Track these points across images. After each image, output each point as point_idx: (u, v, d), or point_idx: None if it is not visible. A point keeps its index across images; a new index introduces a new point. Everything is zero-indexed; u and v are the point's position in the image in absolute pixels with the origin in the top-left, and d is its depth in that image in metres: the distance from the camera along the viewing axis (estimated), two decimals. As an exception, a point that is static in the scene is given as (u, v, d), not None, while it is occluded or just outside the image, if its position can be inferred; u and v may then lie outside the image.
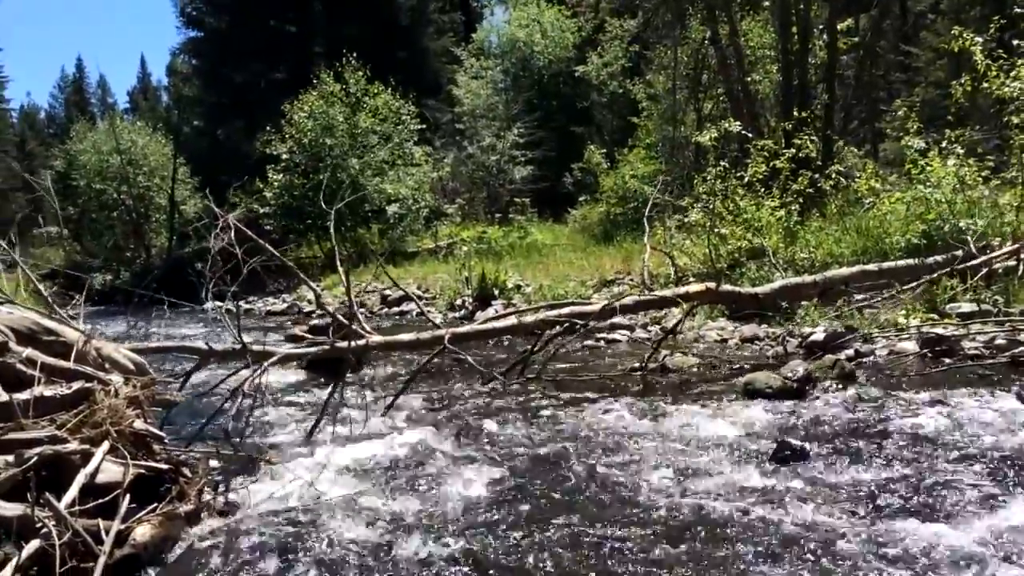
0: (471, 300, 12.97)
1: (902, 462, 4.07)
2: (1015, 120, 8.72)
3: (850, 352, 6.76)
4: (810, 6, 15.43)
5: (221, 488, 4.10)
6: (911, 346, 6.74)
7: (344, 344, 5.63)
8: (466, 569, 3.15)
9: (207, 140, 35.69)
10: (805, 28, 15.07)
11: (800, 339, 7.47)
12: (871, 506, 3.55)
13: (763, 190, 10.67)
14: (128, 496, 3.41)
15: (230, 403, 4.93)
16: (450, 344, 6.06)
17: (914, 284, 7.58)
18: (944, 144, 9.31)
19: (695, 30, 20.67)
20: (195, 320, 12.49)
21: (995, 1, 16.25)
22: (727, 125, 11.02)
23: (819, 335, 7.23)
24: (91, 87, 74.98)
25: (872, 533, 3.24)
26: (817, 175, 10.89)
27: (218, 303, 5.77)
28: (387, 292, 15.30)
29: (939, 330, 6.70)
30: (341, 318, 6.24)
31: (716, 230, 10.26)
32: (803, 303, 8.39)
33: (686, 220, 11.51)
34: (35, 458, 3.27)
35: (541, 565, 3.16)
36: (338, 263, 6.34)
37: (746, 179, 10.65)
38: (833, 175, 10.90)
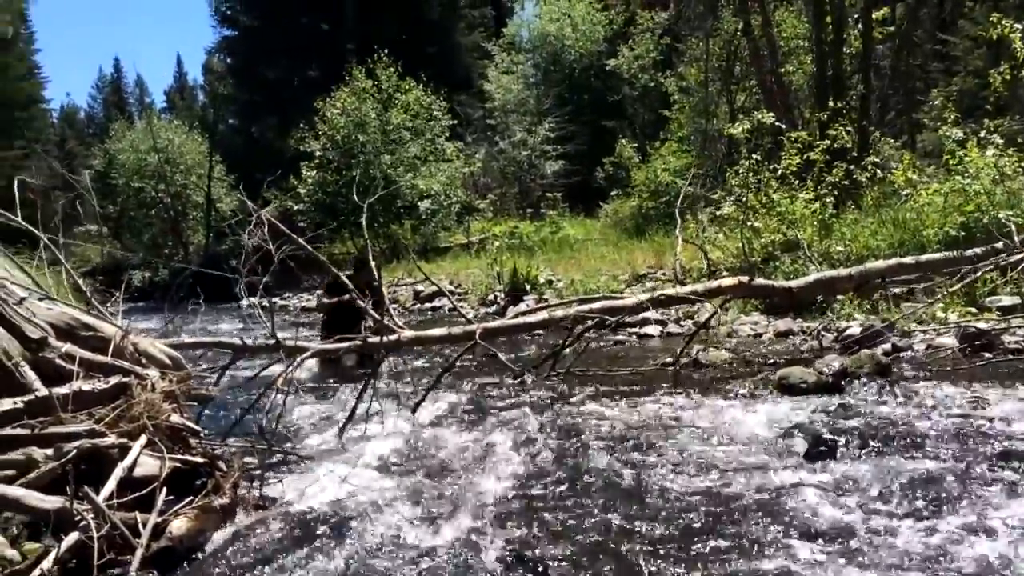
0: (503, 295, 13.00)
1: (939, 459, 4.00)
2: (1059, 109, 8.53)
3: (887, 347, 6.67)
4: (845, -5, 15.18)
5: (256, 482, 4.14)
6: (949, 341, 6.63)
7: (376, 339, 5.67)
8: (499, 565, 3.15)
9: (242, 138, 36.11)
10: (840, 18, 14.80)
11: (836, 334, 7.39)
12: (907, 503, 3.49)
13: (797, 182, 10.53)
14: (165, 489, 3.46)
15: (264, 398, 4.98)
16: (481, 339, 6.07)
17: (953, 277, 7.45)
18: (983, 134, 9.12)
19: (727, 21, 20.47)
20: (232, 316, 12.65)
21: (1037, -12, 15.89)
22: (760, 117, 10.88)
23: (855, 329, 7.15)
24: (129, 87, 76.03)
25: (907, 530, 3.20)
26: (852, 167, 10.73)
27: (253, 299, 5.84)
28: (419, 288, 15.38)
29: (979, 324, 6.58)
30: (373, 313, 6.28)
31: (749, 223, 10.15)
32: (839, 297, 8.28)
33: (719, 213, 11.40)
34: (74, 452, 3.34)
35: (574, 560, 3.15)
36: (369, 258, 6.35)
37: (779, 171, 10.52)
38: (869, 167, 10.72)
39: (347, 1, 34.05)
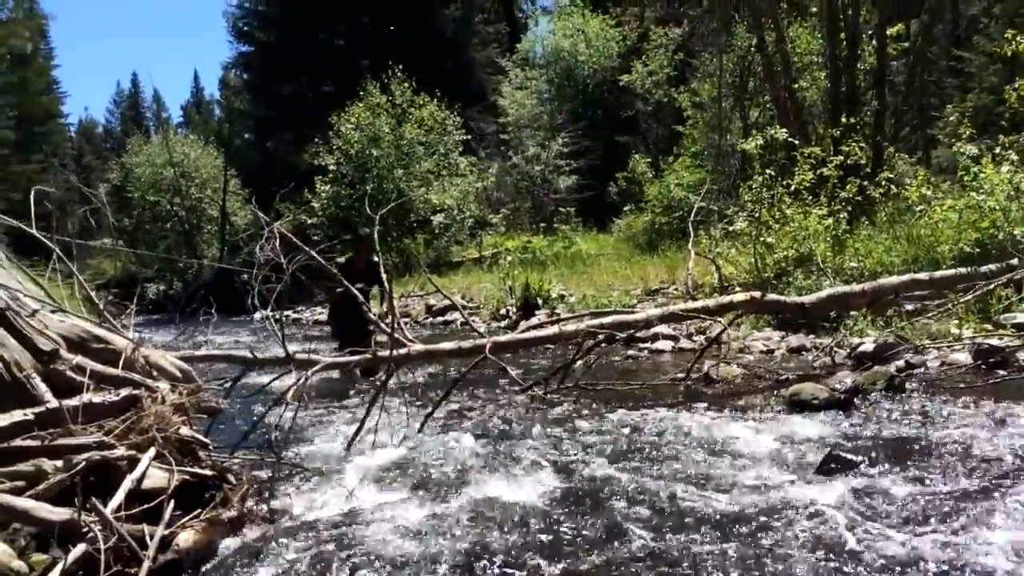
0: (515, 309, 13.00)
1: (952, 477, 3.96)
2: (1072, 125, 8.48)
3: (900, 363, 6.60)
4: (859, 11, 15.17)
5: (265, 495, 4.14)
6: (964, 357, 6.57)
7: (386, 353, 5.67)
8: (504, 580, 3.14)
9: (257, 152, 36.34)
10: (854, 33, 14.80)
11: (849, 350, 7.33)
12: (920, 521, 3.45)
13: (810, 198, 10.50)
14: (173, 502, 3.46)
15: (274, 411, 4.99)
16: (491, 353, 6.06)
17: (967, 294, 7.39)
18: (998, 150, 9.07)
19: (741, 37, 20.49)
20: (245, 328, 12.69)
21: (1052, 3, 15.83)
22: (773, 132, 10.86)
23: (868, 346, 7.09)
24: (146, 101, 76.88)
25: (920, 548, 3.16)
26: (866, 183, 10.69)
27: (266, 312, 5.87)
28: (431, 302, 15.40)
29: (993, 341, 6.51)
30: (384, 327, 6.29)
31: (762, 239, 10.12)
32: (852, 313, 8.23)
33: (731, 229, 11.38)
34: (83, 463, 3.35)
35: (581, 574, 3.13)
36: (381, 272, 6.37)
37: (793, 187, 10.49)
38: (883, 182, 10.68)
39: (362, 18, 34.36)
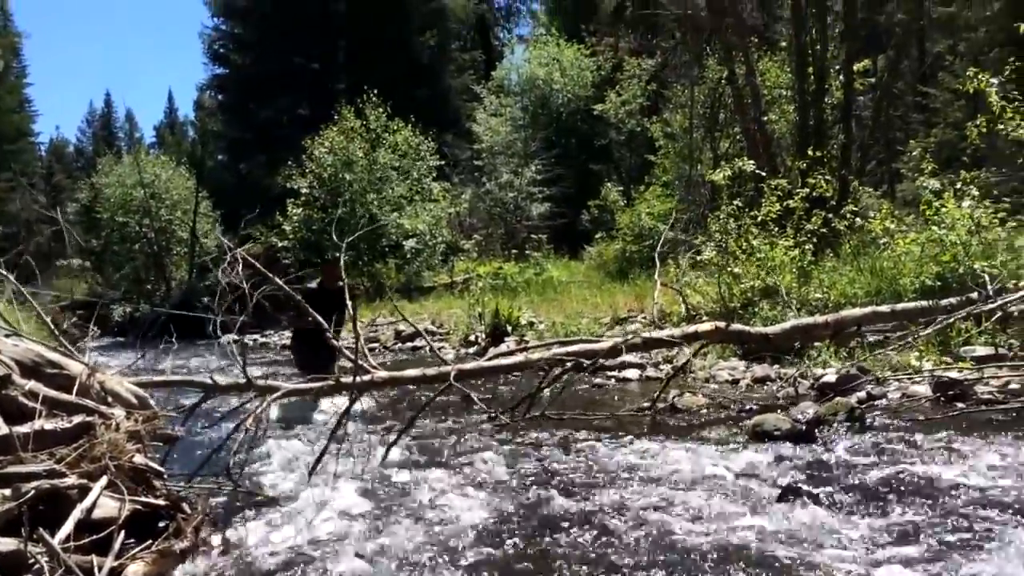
0: (484, 336, 12.99)
1: (909, 508, 3.99)
2: (1032, 162, 8.66)
3: (861, 395, 6.68)
4: (827, 47, 15.47)
5: (220, 525, 4.09)
6: (924, 390, 6.65)
7: (349, 379, 5.64)
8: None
9: (230, 174, 36.19)
10: (822, 68, 15.08)
11: (812, 380, 7.39)
12: (876, 552, 3.48)
13: (777, 229, 10.62)
14: (123, 532, 3.41)
15: (234, 438, 4.93)
16: (456, 381, 6.04)
17: (928, 327, 7.49)
18: (959, 185, 9.24)
19: (712, 70, 20.78)
20: (211, 353, 12.54)
21: (1015, 43, 16.23)
22: (740, 164, 11.00)
23: (831, 377, 7.16)
24: (119, 121, 76.38)
25: (873, 582, 3.18)
26: (831, 215, 10.84)
27: (232, 337, 5.81)
28: (401, 328, 15.33)
29: (952, 374, 6.60)
30: (347, 353, 6.25)
31: (729, 269, 10.21)
32: (816, 344, 8.31)
33: (699, 258, 11.47)
34: (32, 492, 3.29)
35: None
36: (346, 297, 6.34)
37: (760, 218, 10.61)
38: (848, 215, 10.84)
39: (339, 42, 34.49)
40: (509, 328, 12.98)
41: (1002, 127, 8.88)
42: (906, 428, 5.67)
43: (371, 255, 22.76)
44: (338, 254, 6.82)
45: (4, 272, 5.07)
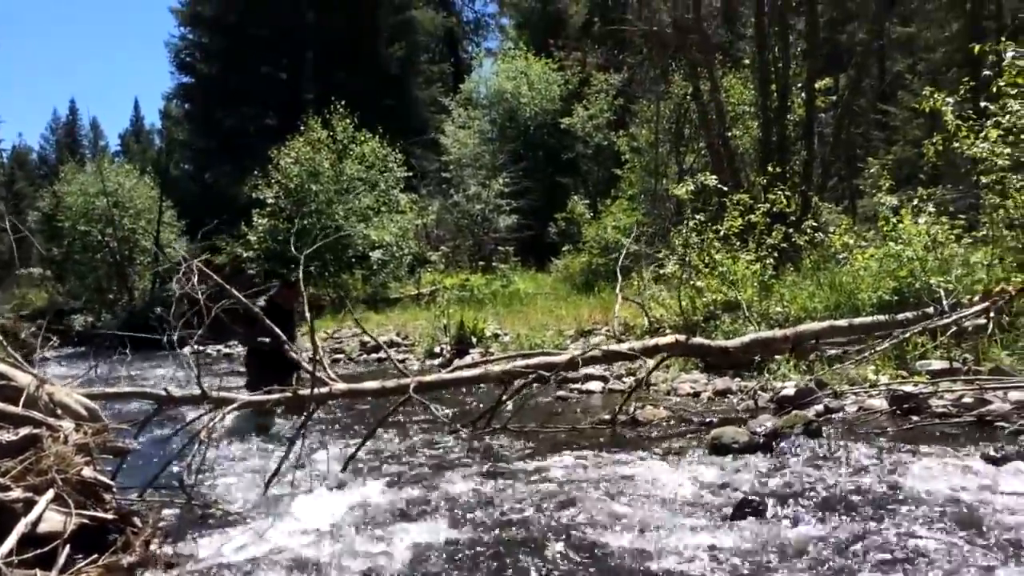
0: (449, 348, 12.97)
1: (863, 520, 4.03)
2: (984, 180, 8.83)
3: (819, 408, 6.75)
4: (789, 64, 15.74)
5: (171, 539, 4.02)
6: (880, 403, 6.73)
7: (307, 391, 5.59)
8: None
9: (195, 183, 35.88)
10: (784, 86, 15.34)
11: (772, 393, 7.47)
12: (826, 565, 3.51)
13: (739, 244, 10.74)
14: (69, 546, 3.35)
15: (188, 450, 4.86)
16: (416, 393, 6.02)
17: (884, 341, 7.61)
18: (916, 202, 9.41)
19: (678, 86, 21.01)
20: (170, 365, 12.36)
21: (971, 64, 16.60)
22: (704, 178, 11.13)
23: (790, 390, 7.23)
24: (84, 129, 75.38)
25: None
26: (792, 230, 10.97)
27: (196, 347, 5.74)
28: (366, 339, 15.23)
29: (908, 387, 6.70)
30: (305, 365, 6.20)
31: (691, 282, 10.30)
32: (777, 357, 8.39)
33: (662, 272, 11.55)
34: (-27, 506, 3.22)
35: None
36: (305, 309, 6.30)
37: (722, 232, 10.72)
38: (808, 230, 10.98)
39: (306, 53, 34.37)
40: (474, 340, 12.98)
41: (957, 145, 9.05)
42: (860, 441, 5.73)
43: (337, 266, 22.64)
44: (297, 277, 6.69)
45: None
